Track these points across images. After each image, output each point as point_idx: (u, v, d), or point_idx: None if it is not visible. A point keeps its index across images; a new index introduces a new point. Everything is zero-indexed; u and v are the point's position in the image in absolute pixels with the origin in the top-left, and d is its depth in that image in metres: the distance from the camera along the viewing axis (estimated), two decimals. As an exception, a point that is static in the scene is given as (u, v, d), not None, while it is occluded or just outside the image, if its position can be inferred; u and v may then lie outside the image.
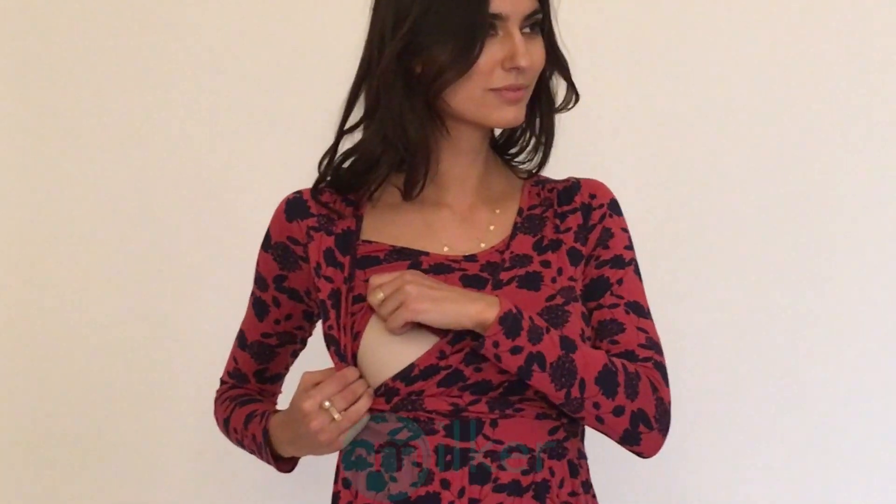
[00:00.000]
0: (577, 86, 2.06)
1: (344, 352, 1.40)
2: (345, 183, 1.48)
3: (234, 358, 1.64)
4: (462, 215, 1.49)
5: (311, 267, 1.46)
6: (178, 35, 2.16)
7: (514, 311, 1.36)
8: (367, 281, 1.41)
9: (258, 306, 1.57)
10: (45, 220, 2.23)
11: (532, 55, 1.39)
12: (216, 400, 1.66)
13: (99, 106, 2.19)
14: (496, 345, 1.34)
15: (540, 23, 1.42)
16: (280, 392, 1.69)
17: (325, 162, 1.49)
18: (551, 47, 1.46)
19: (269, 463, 1.55)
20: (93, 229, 2.23)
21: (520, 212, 1.52)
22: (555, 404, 1.41)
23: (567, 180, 1.58)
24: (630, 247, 1.53)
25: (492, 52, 1.37)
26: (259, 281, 1.56)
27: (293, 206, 1.49)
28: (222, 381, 1.68)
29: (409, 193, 1.45)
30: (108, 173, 2.22)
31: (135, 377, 2.25)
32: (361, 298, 1.41)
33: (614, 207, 1.54)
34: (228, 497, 2.25)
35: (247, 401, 1.60)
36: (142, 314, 2.24)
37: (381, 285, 1.37)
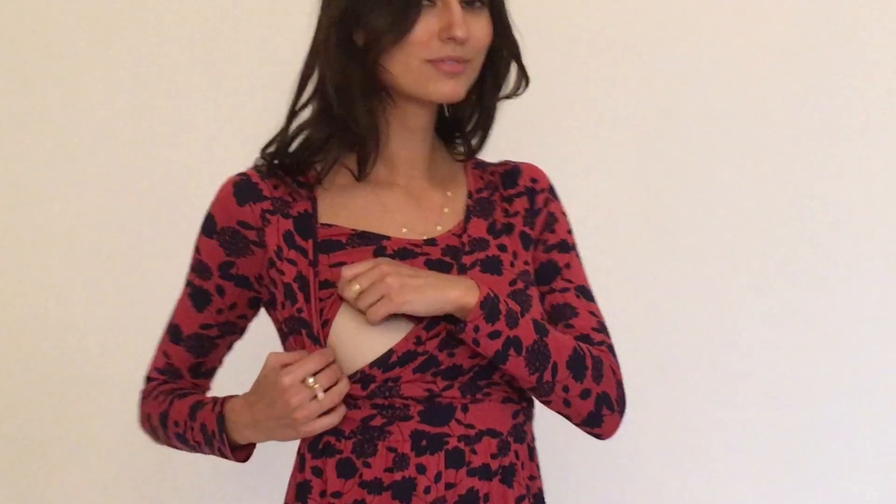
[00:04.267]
0: (575, 80, 2.09)
1: (317, 335, 1.38)
2: (295, 164, 1.46)
3: (164, 353, 1.56)
4: (415, 197, 1.48)
5: (267, 251, 1.42)
6: (169, 30, 2.17)
7: (492, 295, 1.36)
8: (332, 266, 1.40)
9: (197, 296, 1.50)
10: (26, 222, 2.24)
11: (471, 27, 1.37)
12: (144, 397, 1.58)
13: (95, 105, 2.20)
14: (476, 329, 1.34)
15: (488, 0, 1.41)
16: (210, 388, 1.62)
17: (273, 143, 1.46)
18: (502, 27, 1.44)
19: (218, 452, 1.49)
20: (80, 229, 2.23)
21: (469, 195, 1.51)
22: (521, 388, 1.42)
23: (506, 163, 1.59)
24: (571, 231, 1.55)
25: (428, 23, 1.35)
26: (199, 269, 1.49)
27: (243, 189, 1.43)
28: (149, 378, 1.59)
29: (361, 173, 1.44)
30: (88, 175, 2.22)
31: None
32: (329, 284, 1.39)
33: (553, 192, 1.57)
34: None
35: (186, 393, 1.54)
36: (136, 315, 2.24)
37: (357, 277, 1.34)
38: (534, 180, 1.56)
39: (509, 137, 2.14)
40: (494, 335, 1.35)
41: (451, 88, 1.39)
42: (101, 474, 2.22)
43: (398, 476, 1.37)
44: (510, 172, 1.56)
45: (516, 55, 1.47)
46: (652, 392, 2.12)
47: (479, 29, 1.39)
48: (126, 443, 2.19)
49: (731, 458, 2.14)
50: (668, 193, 2.12)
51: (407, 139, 1.46)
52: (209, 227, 1.46)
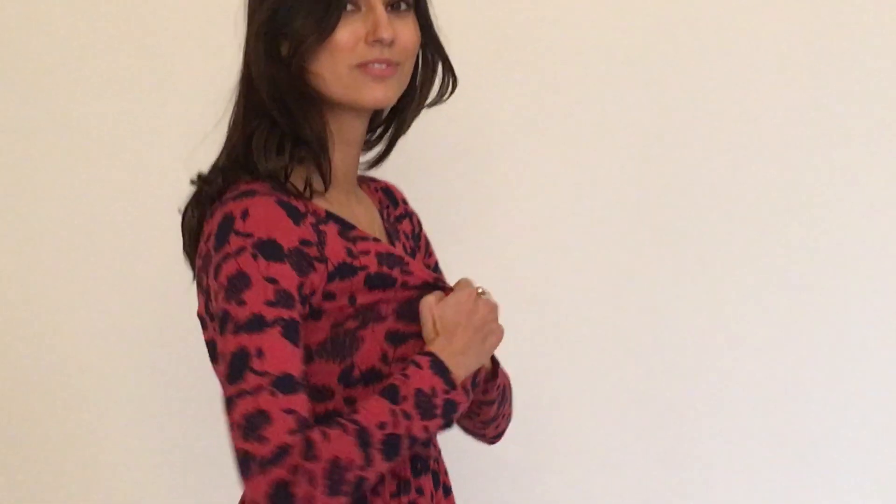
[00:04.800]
0: (574, 81, 2.08)
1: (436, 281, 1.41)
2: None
3: (285, 411, 1.20)
4: (355, 211, 1.45)
5: (328, 265, 1.31)
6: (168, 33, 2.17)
7: None
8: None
9: (291, 331, 1.25)
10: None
11: (398, 30, 1.36)
12: (299, 462, 1.18)
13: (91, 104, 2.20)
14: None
15: (412, 3, 1.39)
16: None
17: (268, 158, 1.36)
18: (427, 30, 1.43)
19: (442, 415, 1.31)
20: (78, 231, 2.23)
21: (380, 213, 1.52)
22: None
23: (376, 180, 1.58)
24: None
25: (354, 27, 1.33)
26: (283, 300, 1.25)
27: (290, 208, 1.30)
28: (284, 448, 1.18)
29: (326, 182, 1.38)
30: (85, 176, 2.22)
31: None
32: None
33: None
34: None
35: (354, 409, 1.28)
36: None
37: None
38: (404, 200, 1.59)
39: (509, 138, 2.15)
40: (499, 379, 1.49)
41: (382, 93, 1.36)
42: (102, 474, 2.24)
43: (405, 500, 1.37)
44: (387, 191, 1.58)
45: (444, 57, 1.45)
46: (652, 393, 2.12)
47: (405, 32, 1.37)
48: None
49: (729, 461, 2.13)
50: (665, 196, 2.10)
51: (345, 152, 1.42)
52: (275, 252, 1.26)
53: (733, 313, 2.11)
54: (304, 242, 1.29)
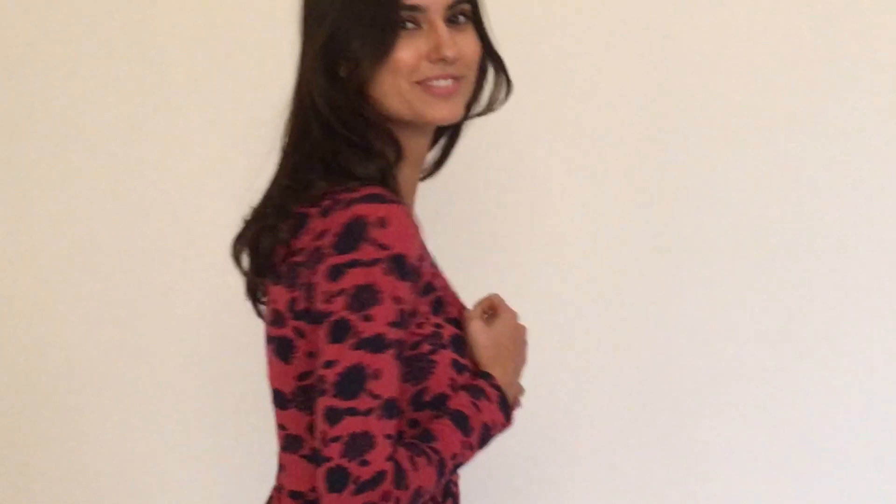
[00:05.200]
0: (573, 81, 2.08)
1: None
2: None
3: (386, 437, 1.21)
4: None
5: (422, 280, 1.31)
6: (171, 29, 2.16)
7: None
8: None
9: (401, 353, 1.25)
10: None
11: (460, 45, 1.33)
12: (391, 489, 1.20)
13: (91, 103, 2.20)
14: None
15: (470, 13, 1.37)
16: None
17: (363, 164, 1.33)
18: (484, 40, 1.41)
19: (499, 428, 1.36)
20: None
21: None
22: None
23: None
24: None
25: (416, 46, 1.31)
26: (403, 322, 1.24)
27: (412, 219, 1.29)
28: (381, 474, 1.20)
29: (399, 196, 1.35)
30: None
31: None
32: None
33: None
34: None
35: (433, 436, 1.29)
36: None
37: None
38: None
39: (508, 141, 2.15)
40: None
41: (449, 111, 1.35)
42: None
43: None
44: None
45: (501, 64, 1.43)
46: (653, 392, 2.12)
47: (467, 45, 1.35)
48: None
49: (730, 462, 2.13)
50: (664, 196, 2.10)
51: (409, 169, 1.40)
52: (402, 268, 1.23)
53: (733, 314, 2.11)
54: (419, 258, 1.27)
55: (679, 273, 2.11)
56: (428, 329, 1.30)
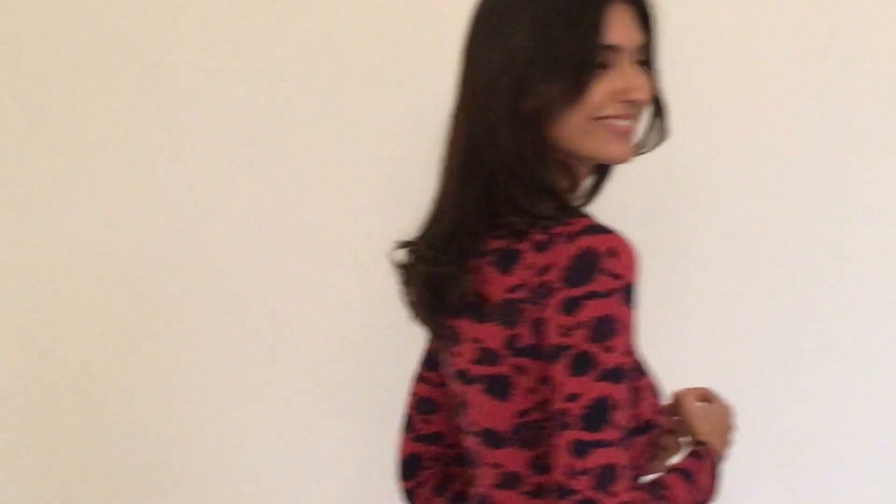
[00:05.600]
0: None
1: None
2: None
3: (628, 468, 1.24)
4: None
5: None
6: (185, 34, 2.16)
7: None
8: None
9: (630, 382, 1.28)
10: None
11: (646, 89, 1.34)
12: None
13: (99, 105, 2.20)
14: None
15: (647, 55, 1.37)
16: None
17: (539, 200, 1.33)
18: (657, 79, 1.40)
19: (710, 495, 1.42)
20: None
21: None
22: None
23: None
24: None
25: (609, 86, 1.31)
26: (632, 349, 1.27)
27: (633, 247, 1.28)
28: None
29: None
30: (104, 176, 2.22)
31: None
32: None
33: None
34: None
35: (664, 485, 1.36)
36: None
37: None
38: None
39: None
40: None
41: (628, 149, 1.35)
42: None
43: None
44: None
45: (664, 104, 1.43)
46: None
47: (649, 89, 1.36)
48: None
49: (729, 462, 2.13)
50: (664, 196, 2.11)
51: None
52: (632, 297, 1.25)
53: (733, 314, 2.12)
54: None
55: (679, 273, 2.11)
56: (636, 355, 1.33)
